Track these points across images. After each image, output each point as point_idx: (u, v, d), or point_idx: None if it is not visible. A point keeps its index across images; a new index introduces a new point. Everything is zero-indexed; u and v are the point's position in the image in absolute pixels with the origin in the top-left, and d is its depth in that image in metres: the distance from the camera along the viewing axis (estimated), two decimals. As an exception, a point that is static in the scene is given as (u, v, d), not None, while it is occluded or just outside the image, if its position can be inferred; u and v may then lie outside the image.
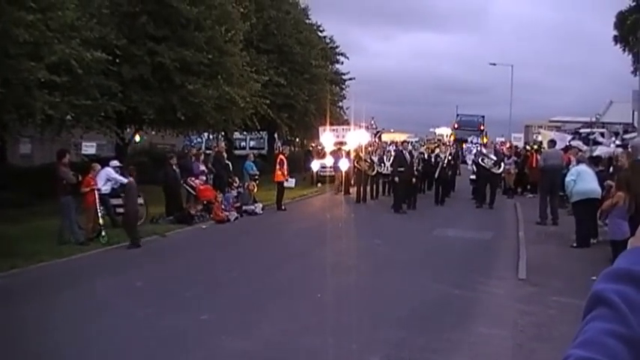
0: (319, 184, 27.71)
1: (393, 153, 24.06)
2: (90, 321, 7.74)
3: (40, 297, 9.07)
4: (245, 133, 35.71)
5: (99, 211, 13.97)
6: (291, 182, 20.74)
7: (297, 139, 46.21)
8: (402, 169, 19.64)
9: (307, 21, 35.54)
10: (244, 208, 18.57)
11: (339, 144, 27.64)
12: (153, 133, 27.34)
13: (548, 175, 16.66)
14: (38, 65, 13.04)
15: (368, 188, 22.91)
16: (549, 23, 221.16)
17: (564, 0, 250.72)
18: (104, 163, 16.09)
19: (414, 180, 20.47)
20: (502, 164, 21.42)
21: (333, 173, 26.58)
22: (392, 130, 61.59)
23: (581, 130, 30.33)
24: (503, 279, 10.44)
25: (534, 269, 10.73)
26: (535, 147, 24.99)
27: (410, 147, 23.24)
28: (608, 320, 0.98)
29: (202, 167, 18.94)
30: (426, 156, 23.96)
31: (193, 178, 17.92)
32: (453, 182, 25.78)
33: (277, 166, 20.56)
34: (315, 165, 28.57)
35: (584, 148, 19.79)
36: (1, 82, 12.70)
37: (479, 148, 24.77)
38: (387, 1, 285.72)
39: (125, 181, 15.82)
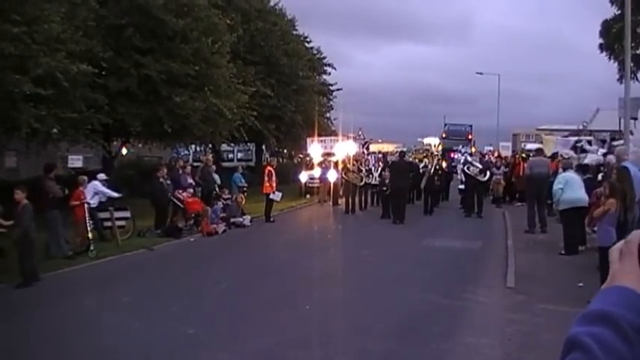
0: (308, 196, 27.69)
1: (381, 164, 24.15)
2: (76, 336, 7.67)
3: (25, 312, 8.98)
4: (232, 144, 35.61)
5: (88, 225, 13.88)
6: (277, 195, 20.49)
7: (285, 151, 46.19)
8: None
9: (294, 32, 35.58)
10: (232, 220, 18.47)
11: (327, 155, 27.62)
12: (140, 145, 27.23)
13: (534, 183, 16.74)
14: (24, 78, 12.98)
15: (357, 199, 22.92)
16: (534, 34, 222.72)
17: (548, 11, 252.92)
18: (91, 176, 15.99)
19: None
20: (488, 172, 21.49)
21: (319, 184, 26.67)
22: (380, 141, 61.69)
23: (568, 138, 30.47)
24: (491, 288, 10.44)
25: (523, 277, 10.74)
26: (522, 155, 25.09)
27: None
28: None
29: (190, 180, 18.85)
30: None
31: (181, 191, 17.83)
32: (446, 192, 25.94)
33: (265, 178, 20.50)
34: (304, 176, 28.54)
35: (575, 156, 19.86)
36: (-14, 96, 12.64)
37: (466, 157, 24.84)
38: (372, 13, 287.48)
39: (114, 194, 15.78)
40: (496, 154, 31.85)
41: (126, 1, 19.66)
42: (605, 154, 17.01)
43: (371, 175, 22.99)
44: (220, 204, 18.55)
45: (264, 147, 38.15)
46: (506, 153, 33.35)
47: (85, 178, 15.11)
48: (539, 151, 19.17)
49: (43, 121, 14.72)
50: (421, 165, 24.76)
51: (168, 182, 17.65)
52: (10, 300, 9.84)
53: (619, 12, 27.02)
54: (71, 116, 15.82)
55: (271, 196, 20.22)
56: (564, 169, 14.10)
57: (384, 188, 20.88)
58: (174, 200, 17.50)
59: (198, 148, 34.49)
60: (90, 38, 17.13)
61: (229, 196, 19.59)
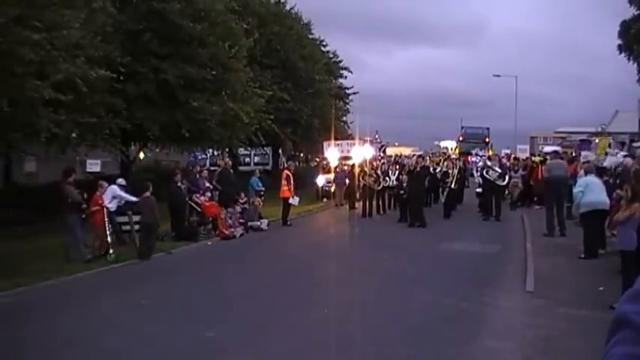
0: (325, 199, 27.69)
1: (397, 167, 24.07)
2: (95, 339, 7.72)
3: (45, 315, 9.04)
4: (249, 148, 35.69)
5: (107, 229, 13.97)
6: (295, 200, 20.56)
7: (302, 154, 46.22)
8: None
9: (310, 36, 35.60)
10: (250, 224, 18.52)
11: (344, 158, 27.64)
12: (157, 150, 27.37)
13: (553, 186, 16.56)
14: (44, 84, 13.07)
15: (374, 203, 22.86)
16: (551, 36, 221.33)
17: (565, 12, 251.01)
18: (110, 180, 16.13)
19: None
20: (507, 176, 21.32)
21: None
22: (396, 144, 61.64)
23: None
24: (510, 292, 10.36)
25: (542, 281, 10.65)
26: (540, 158, 24.90)
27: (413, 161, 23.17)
28: (629, 343, 0.97)
29: (207, 184, 18.92)
30: (431, 169, 23.91)
31: (199, 195, 17.90)
32: (461, 196, 25.75)
33: (283, 182, 20.55)
34: (320, 180, 28.55)
35: (593, 158, 19.68)
36: (7, 102, 12.75)
37: (485, 161, 24.66)
38: (386, 17, 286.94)
39: (133, 199, 15.90)
40: (512, 157, 31.64)
41: (143, 7, 19.81)
42: (626, 156, 16.83)
43: (388, 178, 22.90)
44: (238, 208, 18.60)
45: (280, 151, 38.21)
46: (524, 156, 33.14)
47: (105, 183, 15.23)
48: (556, 154, 19.01)
49: (62, 126, 14.84)
50: (438, 169, 24.68)
51: (184, 186, 17.71)
52: (25, 306, 9.94)
53: (638, 12, 26.76)
54: (90, 121, 15.95)
55: (290, 201, 20.32)
56: (586, 173, 13.93)
57: (402, 192, 20.84)
58: (192, 204, 17.58)
59: (215, 152, 34.57)
60: (108, 44, 17.26)
61: (245, 199, 19.62)
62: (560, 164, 17.36)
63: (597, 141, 24.63)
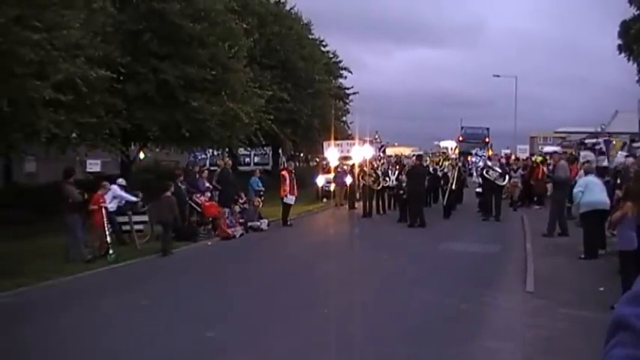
0: (324, 199, 27.67)
1: (397, 167, 24.05)
2: (95, 340, 7.71)
3: (45, 315, 9.04)
4: (249, 148, 35.68)
5: (107, 229, 13.96)
6: (290, 199, 20.43)
7: (302, 154, 46.20)
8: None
9: (310, 36, 35.58)
10: (250, 224, 18.51)
11: (344, 159, 27.62)
12: (157, 150, 27.36)
13: (563, 187, 16.44)
14: (44, 84, 13.06)
15: (374, 203, 22.85)
16: (550, 36, 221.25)
17: (564, 13, 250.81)
18: (110, 180, 16.13)
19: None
20: (507, 176, 21.31)
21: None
22: (396, 144, 61.58)
23: (587, 141, 30.23)
24: (510, 292, 10.35)
25: (542, 282, 10.64)
26: (541, 158, 24.89)
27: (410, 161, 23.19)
28: (628, 345, 0.97)
29: (207, 184, 18.90)
30: (431, 169, 23.91)
31: (199, 195, 17.89)
32: (461, 196, 25.74)
33: (281, 182, 20.53)
34: (320, 180, 28.54)
35: (593, 158, 19.64)
36: (7, 102, 12.74)
37: (485, 161, 24.64)
38: (386, 17, 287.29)
39: (133, 199, 15.93)
40: (513, 157, 31.64)
41: (143, 7, 19.82)
42: (627, 156, 16.80)
43: (388, 178, 22.88)
44: (238, 208, 18.59)
45: (280, 151, 38.20)
46: (524, 156, 33.14)
47: (108, 184, 15.24)
48: (559, 155, 18.99)
49: (62, 126, 14.84)
50: (439, 169, 24.69)
51: (183, 187, 17.69)
52: (26, 306, 9.95)
53: (638, 12, 26.73)
54: (90, 121, 15.95)
55: (285, 200, 20.23)
56: (586, 173, 13.91)
57: (401, 192, 20.82)
58: (193, 204, 17.57)
59: (215, 152, 34.57)
60: (108, 44, 17.26)
61: (245, 199, 19.60)
62: (564, 165, 17.33)
63: (614, 142, 24.57)
